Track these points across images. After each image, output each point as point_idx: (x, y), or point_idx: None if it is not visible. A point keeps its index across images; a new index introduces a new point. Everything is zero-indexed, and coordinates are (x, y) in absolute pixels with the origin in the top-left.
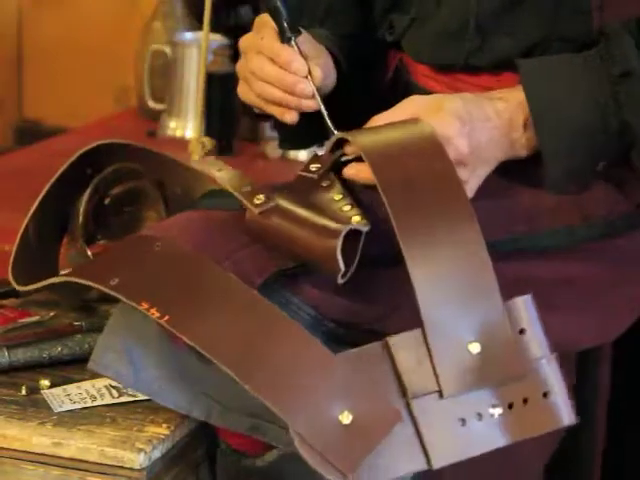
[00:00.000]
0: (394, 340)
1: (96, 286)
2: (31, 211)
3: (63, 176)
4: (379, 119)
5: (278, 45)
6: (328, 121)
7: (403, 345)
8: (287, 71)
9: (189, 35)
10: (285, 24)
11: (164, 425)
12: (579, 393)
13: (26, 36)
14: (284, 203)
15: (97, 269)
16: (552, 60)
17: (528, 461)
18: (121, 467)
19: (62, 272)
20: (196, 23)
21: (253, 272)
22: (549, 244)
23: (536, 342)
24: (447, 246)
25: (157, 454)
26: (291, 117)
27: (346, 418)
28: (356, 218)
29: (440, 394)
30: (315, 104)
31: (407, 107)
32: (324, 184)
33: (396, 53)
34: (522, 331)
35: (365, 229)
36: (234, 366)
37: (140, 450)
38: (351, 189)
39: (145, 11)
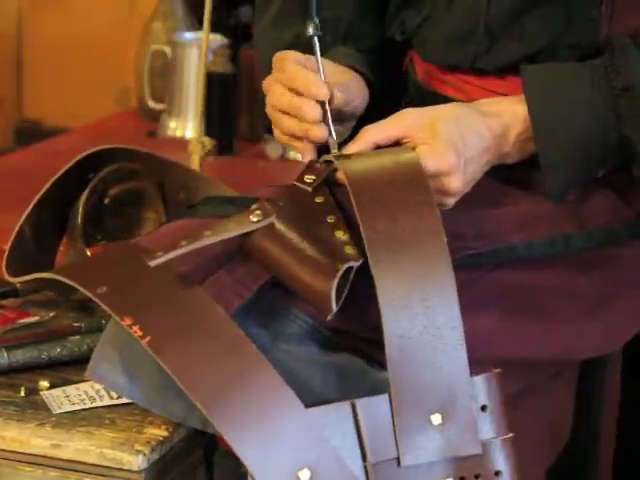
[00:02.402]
0: (362, 402)
1: (83, 290)
2: (26, 213)
3: (61, 179)
4: (370, 130)
5: (296, 70)
6: (334, 143)
7: (369, 409)
8: (306, 97)
9: (189, 35)
10: (312, 20)
11: (163, 427)
12: (582, 396)
13: (26, 36)
14: (279, 223)
15: (87, 272)
16: (556, 69)
17: (528, 467)
18: (120, 469)
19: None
20: (196, 23)
21: (248, 278)
22: (546, 252)
23: (495, 421)
24: (421, 316)
25: (156, 456)
26: (309, 155)
27: (305, 475)
28: (348, 249)
29: (398, 462)
30: (323, 134)
31: (399, 122)
32: (318, 200)
33: (407, 51)
34: (484, 408)
35: (357, 264)
36: (207, 405)
37: (139, 452)
38: (342, 205)
39: (145, 11)
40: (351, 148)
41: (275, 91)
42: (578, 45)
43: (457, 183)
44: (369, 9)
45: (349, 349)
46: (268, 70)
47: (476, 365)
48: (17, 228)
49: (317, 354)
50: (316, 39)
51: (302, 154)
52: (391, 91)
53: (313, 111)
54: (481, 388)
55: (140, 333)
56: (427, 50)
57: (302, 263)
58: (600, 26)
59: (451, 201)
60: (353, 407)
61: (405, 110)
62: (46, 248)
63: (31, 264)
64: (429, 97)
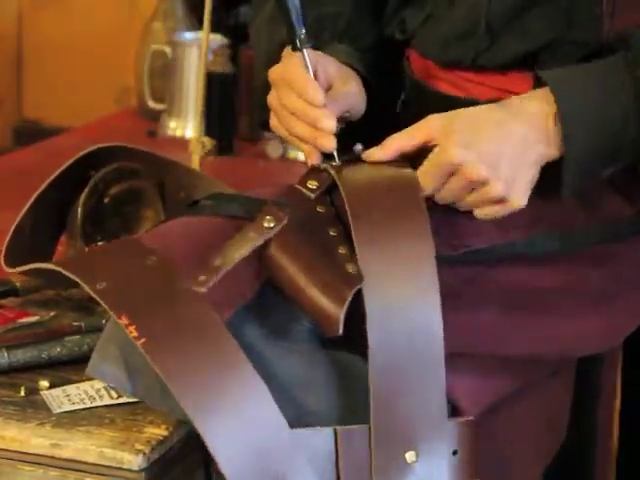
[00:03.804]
0: (343, 431)
1: (82, 284)
2: (24, 210)
3: (60, 178)
4: (395, 140)
5: (303, 77)
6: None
7: (350, 438)
8: (311, 104)
9: (189, 35)
10: (297, 33)
11: (163, 426)
12: (580, 396)
13: (26, 36)
14: (288, 234)
15: (88, 266)
16: (578, 70)
17: (526, 466)
18: (120, 468)
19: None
20: (196, 23)
21: (252, 277)
22: (547, 249)
23: (463, 468)
24: (406, 351)
25: (156, 455)
26: (315, 159)
27: None
28: (349, 267)
29: None
30: (333, 145)
31: (424, 128)
32: (320, 209)
33: (403, 50)
34: (455, 452)
35: (359, 286)
36: (194, 410)
37: (139, 451)
38: (341, 217)
39: (145, 11)
40: (377, 154)
41: (286, 93)
42: (580, 42)
43: (497, 187)
44: (367, 7)
45: (351, 347)
46: (265, 65)
47: (478, 362)
48: (15, 225)
49: (319, 352)
50: (305, 51)
51: (308, 157)
52: (387, 90)
53: (331, 123)
54: (454, 432)
55: (136, 334)
56: (428, 47)
57: (309, 278)
58: (602, 23)
59: (507, 208)
60: (335, 434)
61: (430, 116)
62: (44, 246)
63: (29, 260)
64: (427, 95)
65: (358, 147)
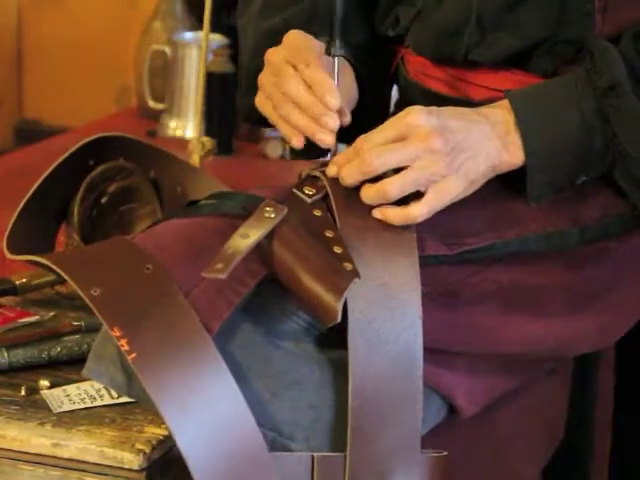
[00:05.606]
0: (320, 457)
1: (76, 288)
2: (27, 197)
3: (62, 166)
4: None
5: (322, 75)
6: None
7: (326, 465)
8: (320, 100)
9: (189, 35)
10: (335, 39)
11: (163, 426)
12: (577, 395)
13: (26, 36)
14: (286, 227)
15: (83, 268)
16: (540, 83)
17: (524, 465)
18: (120, 468)
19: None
20: (196, 23)
21: (245, 275)
22: (541, 248)
23: None
24: (386, 371)
25: (156, 455)
26: (298, 142)
27: None
28: (348, 265)
29: None
30: (331, 142)
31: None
32: (316, 213)
33: (398, 49)
34: None
35: (357, 280)
36: (177, 430)
37: (139, 451)
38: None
39: (145, 11)
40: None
41: (291, 82)
42: (573, 40)
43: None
44: (359, 5)
45: (345, 346)
46: (252, 57)
47: (475, 360)
48: (17, 212)
49: (314, 351)
50: (337, 59)
51: (291, 138)
52: (375, 88)
53: (333, 123)
54: (427, 466)
55: (127, 348)
56: (420, 44)
57: (308, 270)
58: (595, 20)
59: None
60: (312, 460)
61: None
62: (45, 235)
63: (30, 247)
64: (420, 94)
65: (340, 148)
